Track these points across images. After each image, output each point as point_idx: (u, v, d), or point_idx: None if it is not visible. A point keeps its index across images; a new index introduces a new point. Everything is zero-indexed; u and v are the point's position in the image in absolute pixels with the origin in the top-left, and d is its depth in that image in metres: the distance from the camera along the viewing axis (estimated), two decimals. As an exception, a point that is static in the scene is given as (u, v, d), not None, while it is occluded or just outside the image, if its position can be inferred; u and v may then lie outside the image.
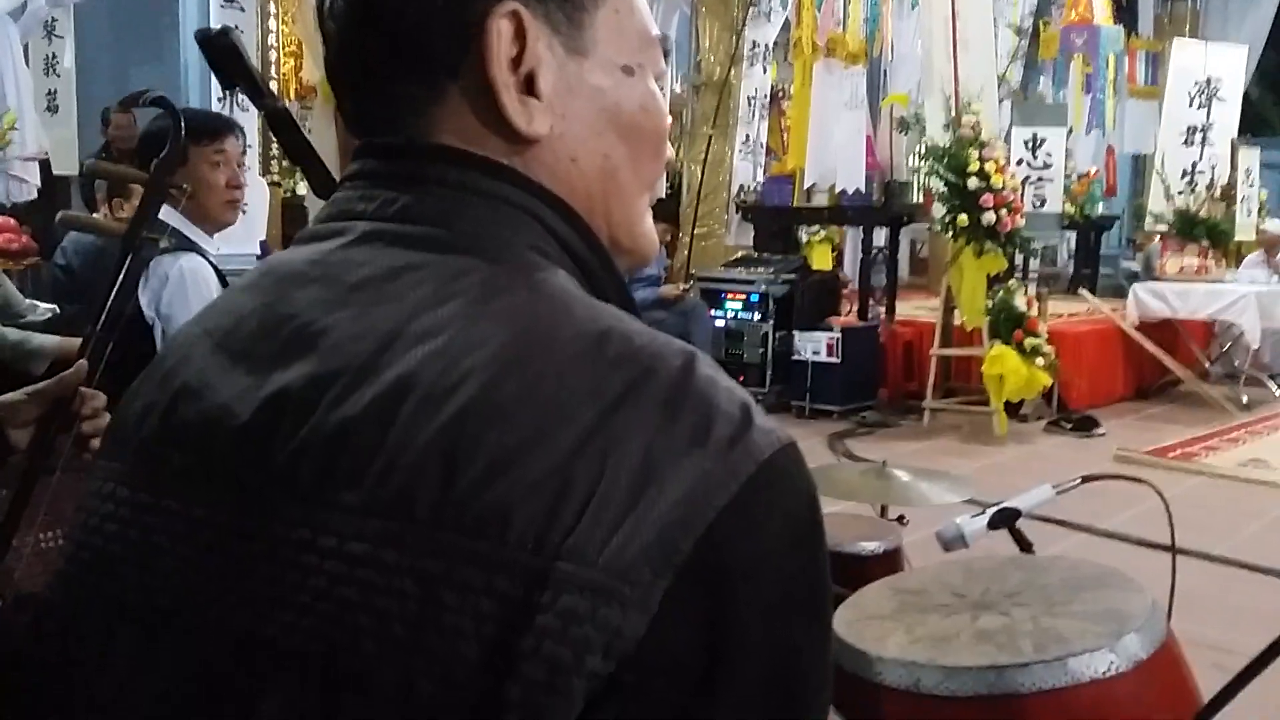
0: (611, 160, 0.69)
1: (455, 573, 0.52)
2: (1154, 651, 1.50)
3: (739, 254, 8.08)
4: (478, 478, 0.53)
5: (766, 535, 0.55)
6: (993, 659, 1.46)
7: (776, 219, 8.07)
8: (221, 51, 1.30)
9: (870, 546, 2.11)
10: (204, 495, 0.61)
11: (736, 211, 8.46)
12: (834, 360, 7.00)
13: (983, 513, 2.00)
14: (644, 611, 0.51)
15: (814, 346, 7.04)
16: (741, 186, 8.44)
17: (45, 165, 6.50)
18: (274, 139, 9.04)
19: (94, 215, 3.62)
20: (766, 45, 8.38)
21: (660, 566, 0.52)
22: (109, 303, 1.61)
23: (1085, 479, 2.05)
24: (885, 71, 9.82)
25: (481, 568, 0.52)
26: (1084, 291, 9.06)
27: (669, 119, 0.73)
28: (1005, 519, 2.03)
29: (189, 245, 2.30)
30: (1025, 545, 2.06)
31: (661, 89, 0.74)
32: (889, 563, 2.12)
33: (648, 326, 0.61)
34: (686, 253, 8.45)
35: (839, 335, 7.00)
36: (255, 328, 0.65)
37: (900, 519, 2.47)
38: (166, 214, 2.25)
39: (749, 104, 8.30)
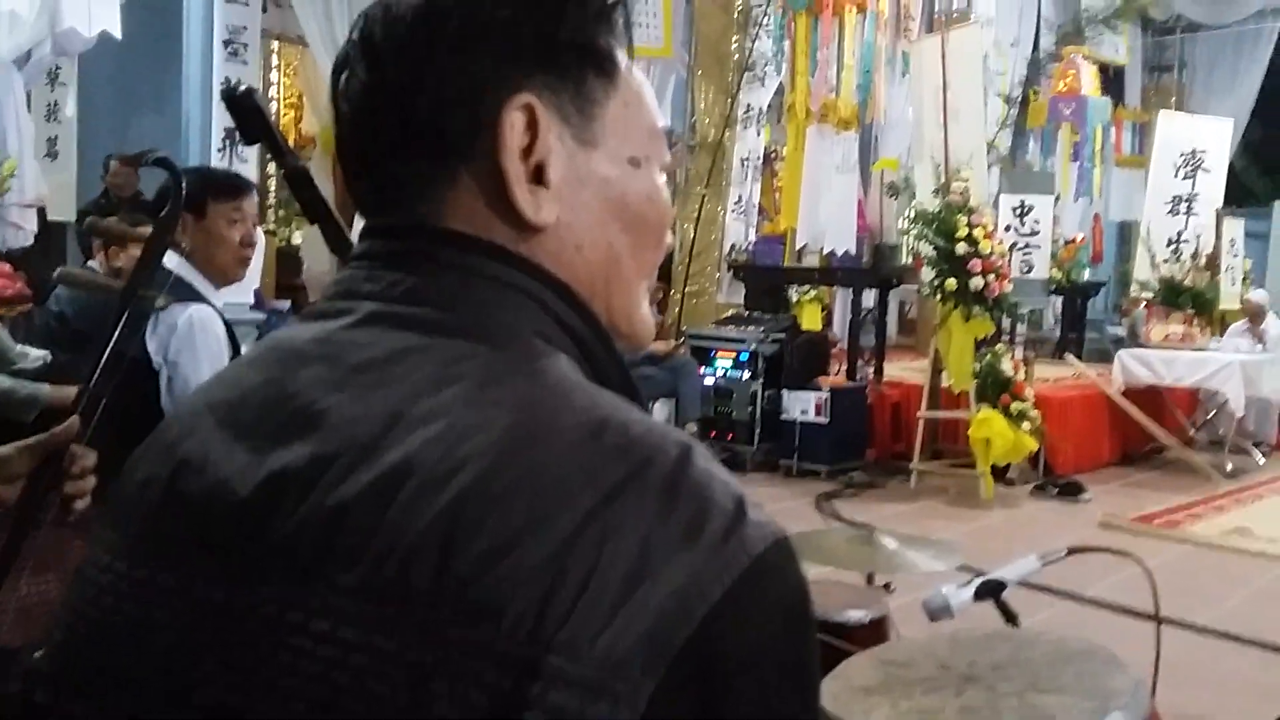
0: (615, 249, 0.71)
1: (447, 662, 0.52)
2: (1137, 729, 1.50)
3: (730, 312, 8.13)
4: (473, 564, 0.53)
5: (759, 630, 0.55)
6: (974, 736, 1.46)
7: (767, 278, 8.14)
8: (246, 110, 1.33)
9: (857, 615, 2.11)
10: (201, 572, 0.61)
11: (728, 270, 8.53)
12: (822, 420, 7.02)
13: (969, 583, 2.02)
14: (633, 709, 0.51)
15: (802, 406, 7.06)
16: (733, 245, 8.53)
17: (42, 211, 6.53)
18: (279, 193, 9.08)
19: (91, 265, 3.64)
20: (760, 109, 8.51)
21: (651, 662, 0.52)
22: (104, 358, 1.62)
23: (1071, 550, 2.07)
24: (876, 136, 9.96)
25: (473, 657, 0.52)
26: (1070, 356, 9.13)
27: (672, 211, 0.75)
28: (991, 590, 2.03)
29: (195, 296, 2.32)
30: (1011, 617, 2.06)
31: (667, 180, 0.76)
32: (875, 631, 2.12)
33: (646, 415, 0.62)
34: (678, 310, 8.49)
35: (827, 395, 7.03)
36: (258, 404, 0.65)
37: (887, 586, 2.47)
38: (176, 265, 2.28)
39: (742, 165, 8.41)
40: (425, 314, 0.64)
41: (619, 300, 0.72)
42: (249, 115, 1.30)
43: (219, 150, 5.91)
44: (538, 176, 0.66)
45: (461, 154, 0.66)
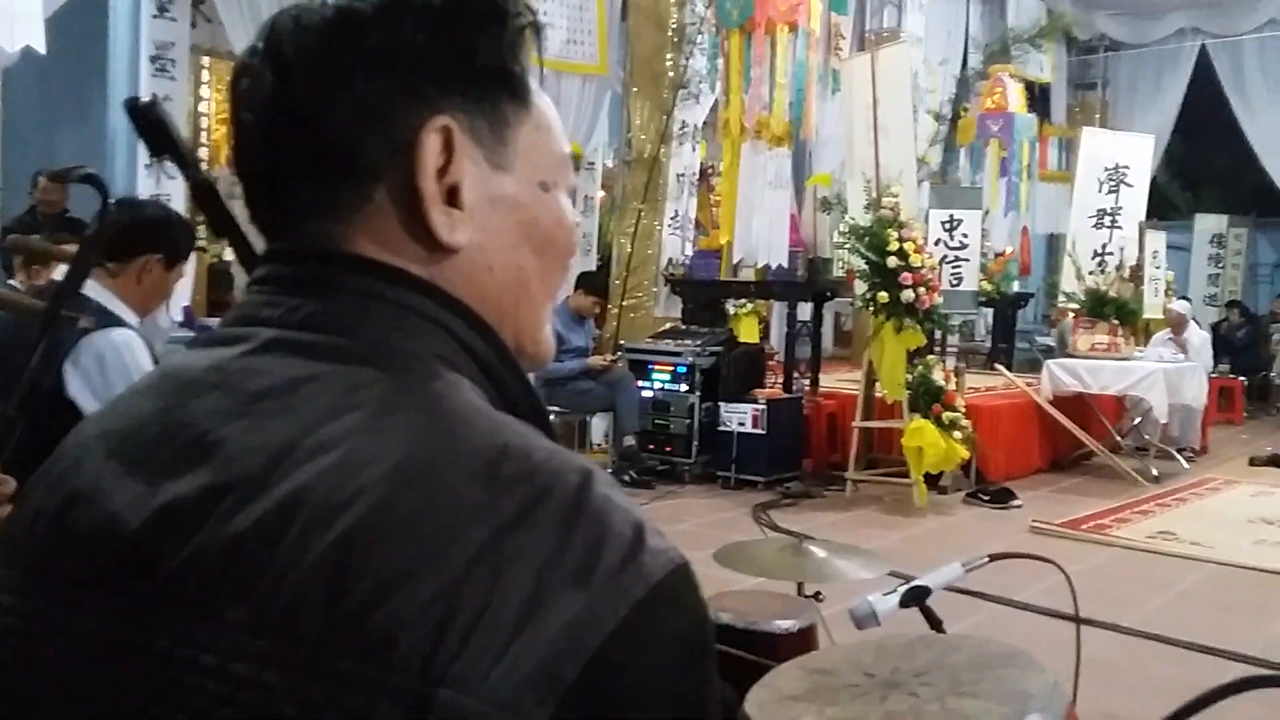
0: (525, 271, 0.71)
1: (338, 697, 0.51)
2: (1054, 729, 1.54)
3: (667, 326, 8.17)
4: (365, 598, 0.52)
5: (654, 660, 0.55)
6: (897, 741, 1.49)
7: (704, 292, 8.20)
8: (150, 123, 1.32)
9: (785, 624, 2.14)
10: (90, 606, 0.59)
11: (665, 284, 8.58)
12: (759, 431, 7.08)
13: (894, 591, 2.06)
14: None
15: (739, 418, 7.12)
16: (670, 260, 8.58)
17: (-38, 225, 6.38)
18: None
19: (11, 282, 3.57)
20: (695, 125, 8.60)
21: (543, 694, 0.51)
22: (25, 381, 1.60)
23: (993, 557, 2.11)
24: (810, 152, 10.09)
25: (365, 693, 0.51)
26: (1000, 366, 9.31)
27: (579, 234, 0.76)
28: (916, 597, 2.08)
29: (116, 320, 2.30)
30: (935, 623, 2.11)
31: (573, 202, 0.78)
32: (804, 640, 2.15)
33: (549, 442, 0.61)
34: (615, 324, 8.52)
35: (764, 407, 7.10)
36: (151, 434, 0.63)
37: (817, 595, 2.50)
38: (94, 290, 2.25)
39: (678, 181, 8.48)
40: (325, 340, 0.63)
41: (527, 321, 0.73)
42: (154, 128, 1.29)
43: (146, 166, 5.81)
44: (452, 199, 0.66)
45: (375, 174, 0.65)
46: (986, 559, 2.10)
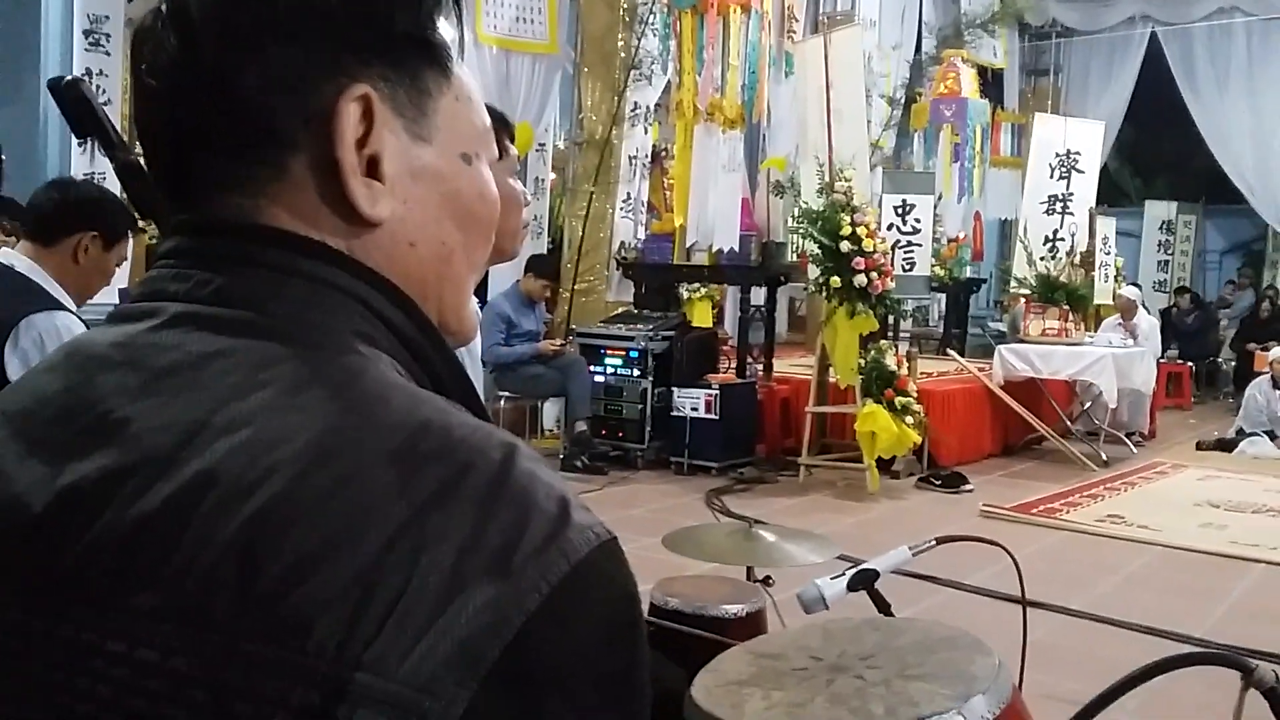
0: (448, 246, 0.69)
1: (251, 683, 0.50)
2: (1000, 712, 1.51)
3: (619, 310, 8.11)
4: (277, 581, 0.51)
5: (579, 638, 0.53)
6: (844, 724, 1.45)
7: (657, 276, 8.15)
8: (73, 101, 1.26)
9: (733, 609, 2.10)
10: None
11: (617, 268, 8.52)
12: (712, 417, 7.05)
13: (842, 575, 2.02)
14: None
15: (693, 403, 7.09)
16: (622, 243, 8.51)
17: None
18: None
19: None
20: (648, 107, 8.53)
21: (464, 676, 0.49)
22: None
23: (939, 540, 2.09)
24: (764, 135, 10.07)
25: (278, 678, 0.49)
26: (952, 351, 9.36)
27: (499, 205, 0.72)
28: (864, 580, 2.05)
29: (55, 303, 2.24)
30: (883, 606, 2.08)
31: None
32: (752, 625, 2.11)
33: (471, 417, 0.58)
34: (567, 308, 8.45)
35: (717, 392, 7.07)
36: (55, 413, 0.61)
37: (767, 579, 2.46)
38: (32, 272, 2.18)
39: (630, 163, 8.41)
40: (235, 315, 0.61)
41: (450, 298, 0.71)
42: (77, 106, 1.22)
43: (79, 145, 5.63)
44: (372, 170, 0.63)
45: (290, 145, 0.62)
46: (933, 542, 2.08)
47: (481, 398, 0.70)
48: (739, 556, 2.40)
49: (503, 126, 1.80)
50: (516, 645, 0.50)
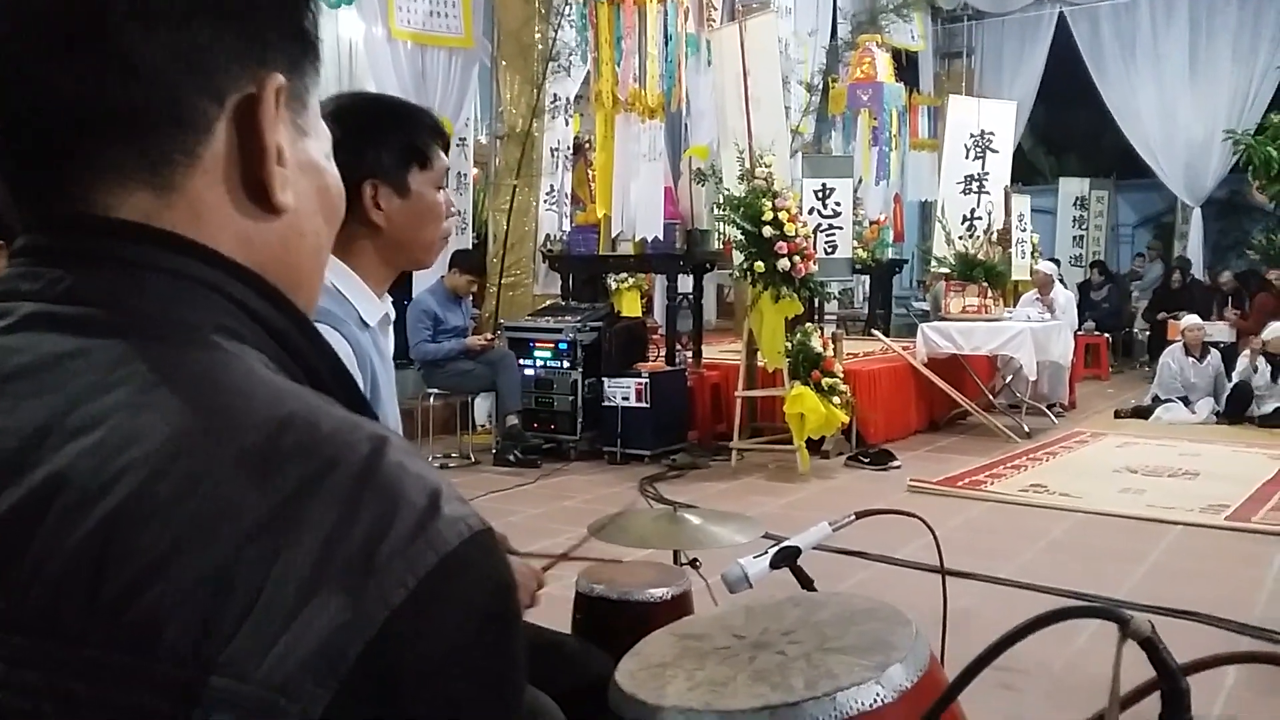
0: (320, 238, 0.69)
1: (103, 692, 0.48)
2: (918, 679, 1.55)
3: (547, 303, 8.10)
4: (128, 585, 0.49)
5: (445, 633, 0.52)
6: (766, 699, 1.48)
7: (583, 268, 8.15)
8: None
9: (658, 593, 2.12)
10: None
11: (544, 261, 8.50)
12: (643, 405, 7.08)
13: (765, 553, 2.06)
14: None
15: (623, 392, 7.11)
16: (548, 236, 8.49)
17: None
18: None
19: None
20: (568, 98, 8.51)
21: (324, 676, 0.48)
22: None
23: (859, 515, 2.13)
24: (686, 124, 10.10)
25: (129, 686, 0.48)
26: (876, 332, 9.50)
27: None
28: (786, 558, 2.08)
29: None
30: (806, 582, 2.12)
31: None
32: (678, 608, 2.13)
33: (342, 410, 0.57)
34: (495, 303, 8.41)
35: (647, 380, 7.10)
36: None
37: (694, 562, 2.49)
38: None
39: (552, 155, 8.39)
40: (89, 314, 0.58)
41: (315, 290, 0.71)
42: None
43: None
44: (277, 160, 0.63)
45: (203, 130, 0.60)
46: (853, 517, 2.12)
47: (365, 390, 0.70)
48: (665, 540, 2.43)
49: (436, 136, 1.77)
50: (380, 642, 0.49)
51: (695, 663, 1.65)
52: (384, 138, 1.72)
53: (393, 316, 1.85)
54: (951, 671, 1.03)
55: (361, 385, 1.68)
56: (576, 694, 1.81)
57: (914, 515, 2.10)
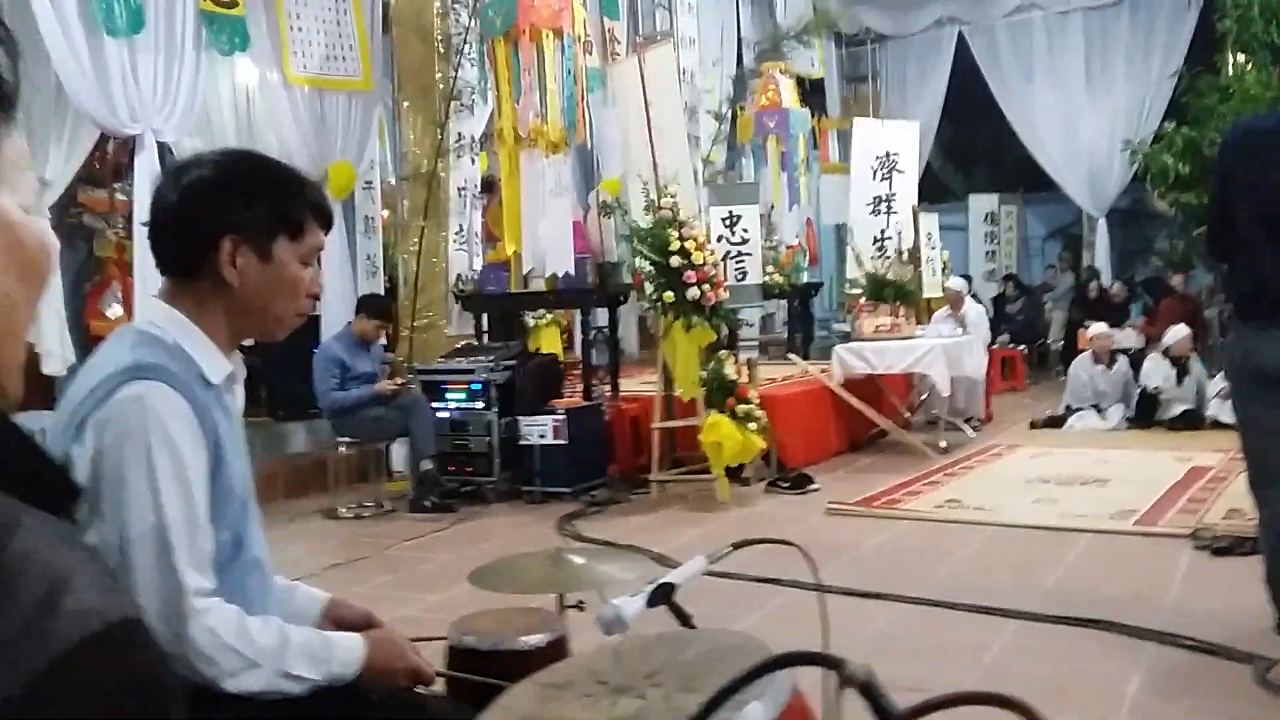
0: (11, 299, 0.65)
1: None
2: (778, 717, 1.52)
3: (460, 344, 8.02)
4: None
5: None
6: (620, 748, 1.44)
7: (496, 306, 8.09)
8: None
9: (532, 640, 2.07)
10: None
11: (456, 301, 8.42)
12: (561, 442, 7.02)
13: (639, 592, 2.02)
14: None
15: (540, 430, 7.04)
16: (459, 276, 8.42)
17: None
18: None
19: None
20: (473, 137, 8.48)
21: None
22: None
23: (735, 545, 2.11)
24: (596, 159, 10.13)
25: None
26: (792, 355, 9.56)
27: (53, 258, 0.69)
28: (662, 595, 2.04)
29: None
30: (684, 619, 2.08)
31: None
32: (554, 654, 2.08)
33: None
34: (409, 346, 8.31)
35: (564, 417, 7.04)
36: None
37: (579, 605, 2.44)
38: None
39: (459, 194, 8.34)
40: None
41: (10, 356, 0.65)
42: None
43: None
44: None
45: None
46: (730, 549, 2.09)
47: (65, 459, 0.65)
48: (548, 585, 2.37)
49: (317, 213, 1.74)
50: None
51: (555, 712, 1.60)
52: (257, 198, 1.68)
53: (241, 375, 1.79)
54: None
55: (203, 444, 1.62)
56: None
57: (790, 543, 2.07)
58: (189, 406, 1.59)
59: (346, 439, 6.96)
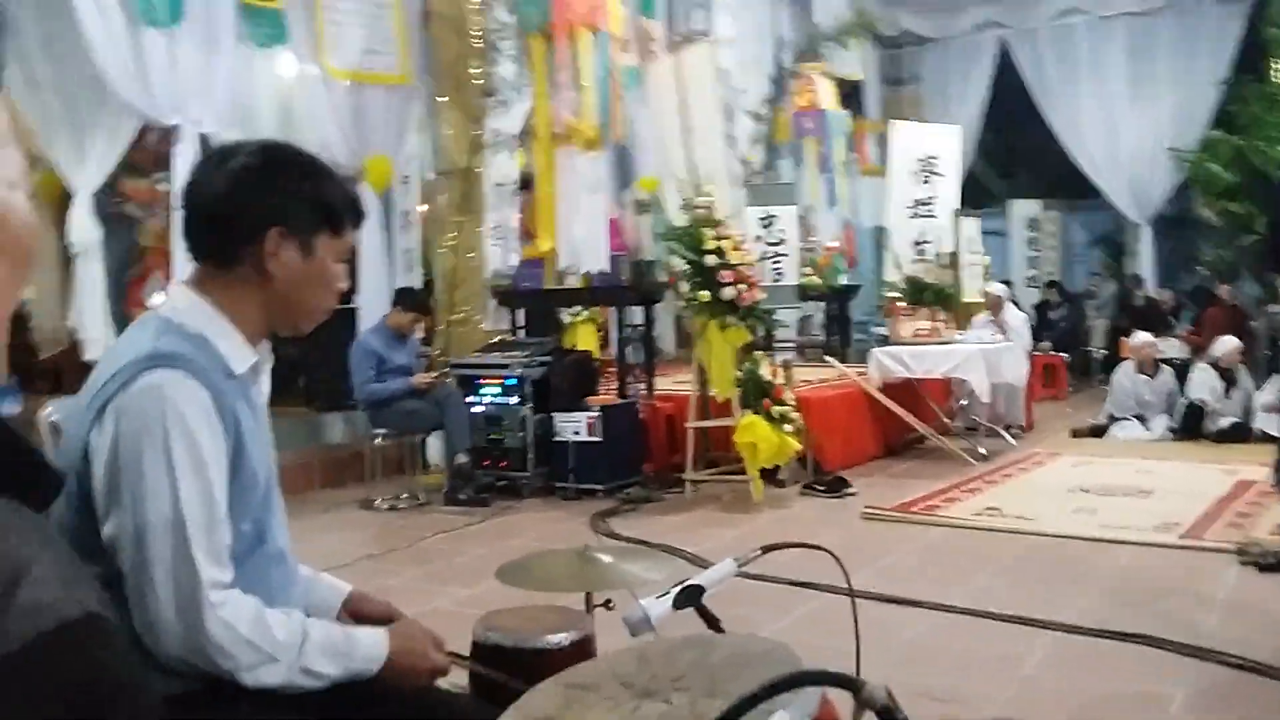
0: None
1: None
2: (807, 725, 1.46)
3: (496, 339, 8.01)
4: None
5: None
6: (641, 754, 1.39)
7: (531, 302, 8.07)
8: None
9: (557, 639, 2.02)
10: None
11: (492, 297, 8.41)
12: (596, 439, 6.99)
13: (666, 593, 1.97)
14: None
15: (574, 427, 7.01)
16: (495, 271, 8.41)
17: None
18: None
19: None
20: (510, 133, 8.45)
21: None
22: None
23: (765, 549, 2.05)
24: (634, 157, 10.08)
25: None
26: (830, 358, 9.46)
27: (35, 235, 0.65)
28: (690, 598, 2.00)
29: None
30: (712, 622, 2.03)
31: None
32: (580, 654, 2.03)
33: None
34: (445, 340, 8.31)
35: (599, 414, 7.01)
36: None
37: (607, 604, 2.40)
38: None
39: (496, 190, 8.33)
40: None
41: None
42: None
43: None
44: None
45: None
46: (759, 552, 2.04)
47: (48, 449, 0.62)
48: (575, 583, 2.33)
49: (353, 210, 1.73)
50: None
51: (578, 714, 1.56)
52: (303, 191, 1.65)
53: (267, 365, 1.76)
54: (911, 706, 0.93)
55: (223, 434, 1.60)
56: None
57: (821, 548, 2.02)
58: (209, 396, 1.56)
59: (382, 431, 6.97)
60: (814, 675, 0.86)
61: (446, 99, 8.15)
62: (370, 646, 1.65)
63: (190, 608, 1.48)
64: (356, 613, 1.87)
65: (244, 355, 1.66)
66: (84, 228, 6.77)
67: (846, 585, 2.05)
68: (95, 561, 1.50)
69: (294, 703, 1.59)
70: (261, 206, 1.63)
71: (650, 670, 1.67)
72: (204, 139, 6.81)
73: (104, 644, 0.46)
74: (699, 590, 1.99)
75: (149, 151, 7.81)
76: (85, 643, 0.46)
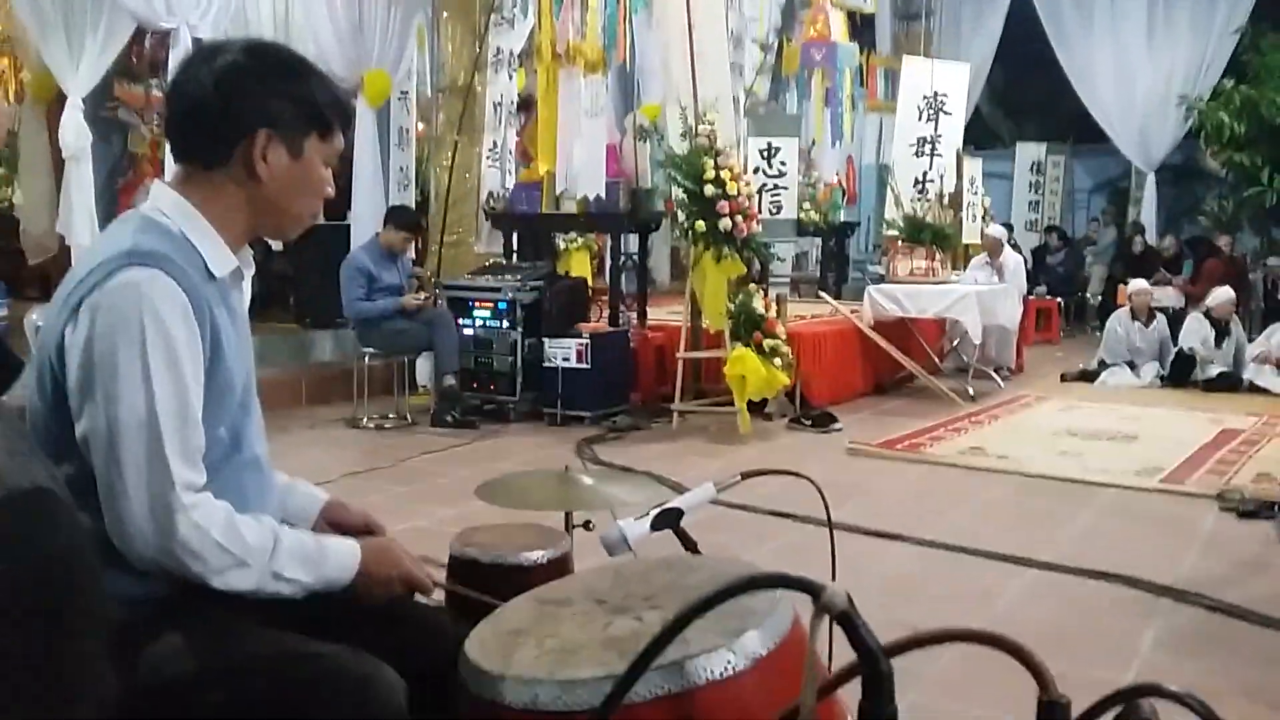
0: None
1: None
2: (776, 646, 1.47)
3: (488, 262, 7.96)
4: None
5: None
6: (611, 668, 1.40)
7: (525, 226, 8.00)
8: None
9: (535, 556, 2.03)
10: None
11: (486, 219, 8.34)
12: (584, 366, 6.99)
13: (645, 515, 1.98)
14: None
15: (564, 353, 7.00)
16: (491, 193, 8.32)
17: None
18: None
19: None
20: (511, 51, 8.31)
21: None
22: None
23: (744, 475, 2.05)
24: (638, 81, 9.92)
25: None
26: (823, 294, 9.43)
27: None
28: (668, 520, 2.00)
29: None
30: (690, 544, 2.04)
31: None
32: (557, 571, 2.04)
33: None
34: (437, 261, 8.26)
35: (588, 341, 7.00)
36: None
37: (587, 524, 2.41)
38: None
39: (495, 110, 8.20)
40: None
41: None
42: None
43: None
44: None
45: None
46: (738, 478, 2.05)
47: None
48: (555, 502, 2.34)
49: (341, 113, 1.69)
50: None
51: (550, 629, 1.56)
52: (294, 93, 1.61)
53: (250, 271, 1.73)
54: (885, 636, 0.92)
55: (199, 336, 1.58)
56: (434, 666, 1.72)
57: (799, 475, 2.02)
58: (186, 297, 1.54)
59: (371, 350, 6.96)
60: (771, 578, 0.85)
61: (448, 14, 7.99)
62: (342, 555, 1.65)
63: (161, 508, 1.47)
64: (334, 521, 1.87)
65: (225, 258, 1.64)
66: (75, 131, 6.67)
67: (826, 515, 2.06)
68: (69, 461, 1.49)
69: (265, 612, 1.59)
70: (250, 106, 1.59)
71: (625, 588, 1.67)
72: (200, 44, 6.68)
73: (51, 519, 0.45)
74: (678, 513, 2.00)
75: (144, 56, 7.67)
76: (31, 512, 0.45)
